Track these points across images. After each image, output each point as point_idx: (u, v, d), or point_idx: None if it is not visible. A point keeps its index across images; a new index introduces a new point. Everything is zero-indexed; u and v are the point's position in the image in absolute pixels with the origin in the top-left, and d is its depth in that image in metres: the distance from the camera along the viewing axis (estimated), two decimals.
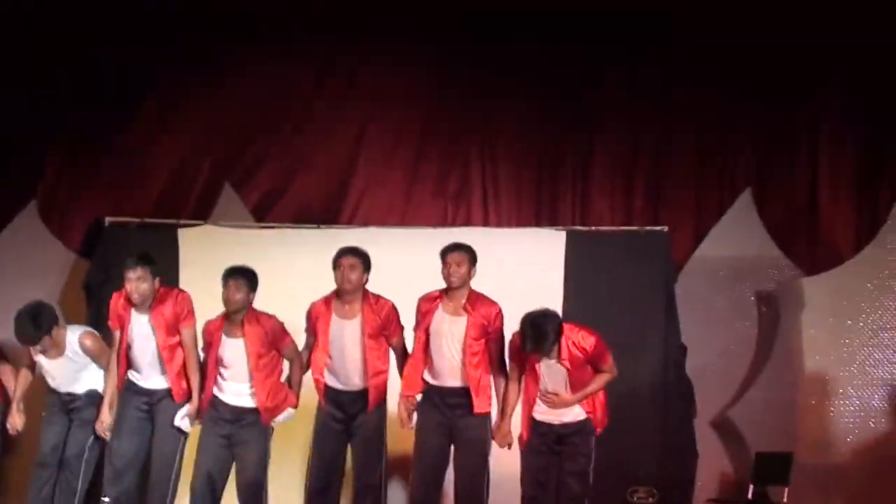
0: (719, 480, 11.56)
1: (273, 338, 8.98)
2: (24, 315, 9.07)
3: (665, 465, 10.62)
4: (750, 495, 10.93)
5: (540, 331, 8.52)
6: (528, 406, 8.83)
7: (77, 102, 12.09)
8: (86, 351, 9.28)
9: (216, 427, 8.99)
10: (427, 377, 8.86)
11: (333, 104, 12.39)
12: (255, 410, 8.95)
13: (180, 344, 9.11)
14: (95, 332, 9.56)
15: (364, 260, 9.05)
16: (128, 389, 9.19)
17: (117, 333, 9.21)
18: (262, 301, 9.41)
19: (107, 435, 9.10)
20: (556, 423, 8.72)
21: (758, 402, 11.45)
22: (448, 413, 8.77)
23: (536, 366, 8.71)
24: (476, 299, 8.87)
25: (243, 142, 12.38)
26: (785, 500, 10.68)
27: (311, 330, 9.15)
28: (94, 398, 9.30)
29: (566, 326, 8.70)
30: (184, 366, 9.11)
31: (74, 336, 9.33)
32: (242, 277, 9.02)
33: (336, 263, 9.01)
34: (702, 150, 12.18)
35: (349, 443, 9.05)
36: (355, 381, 8.97)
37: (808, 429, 11.41)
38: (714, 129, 12.19)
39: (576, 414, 8.72)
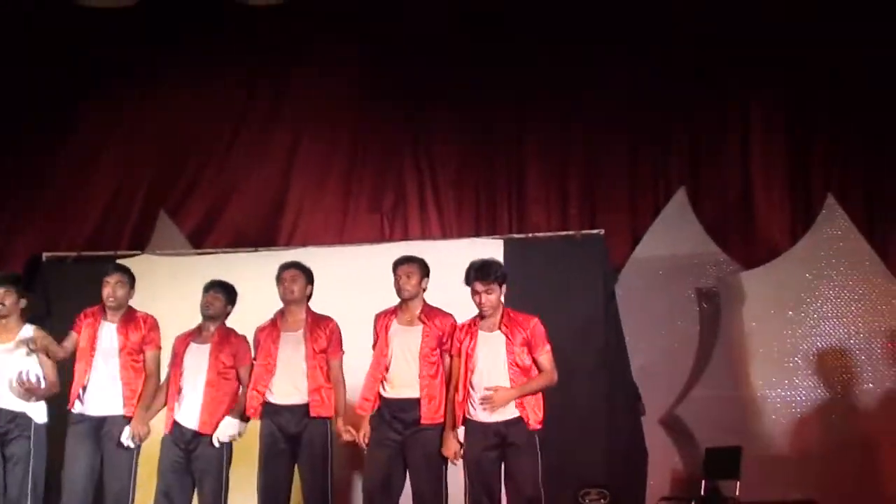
0: (671, 478, 11.58)
1: (237, 352, 9.15)
2: None
3: (615, 465, 10.61)
4: (702, 491, 10.95)
5: (485, 261, 8.67)
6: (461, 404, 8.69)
7: (4, 141, 12.03)
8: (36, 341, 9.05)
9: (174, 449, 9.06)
10: (382, 391, 8.83)
11: (262, 126, 12.46)
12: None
13: (143, 365, 9.20)
14: None
15: (305, 272, 9.20)
16: (77, 418, 9.13)
17: (73, 336, 9.26)
18: None
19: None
20: (490, 421, 8.59)
21: (704, 398, 11.46)
22: (399, 429, 8.72)
23: (471, 345, 8.59)
24: (431, 310, 8.90)
25: (175, 169, 12.41)
26: (737, 493, 10.70)
27: (257, 350, 9.17)
28: (25, 428, 9.03)
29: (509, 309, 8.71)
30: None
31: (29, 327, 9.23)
32: (222, 289, 9.36)
33: (278, 278, 9.18)
34: (633, 151, 12.32)
35: (296, 463, 9.03)
36: (297, 394, 8.95)
37: (756, 422, 11.42)
38: (645, 130, 12.31)
39: (510, 411, 8.61)
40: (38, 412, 9.07)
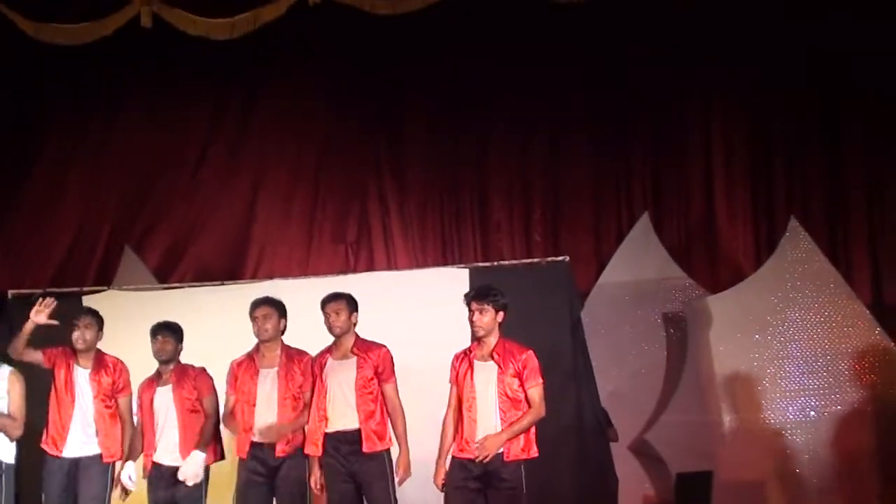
0: None
1: (198, 385, 9.21)
2: None
3: (586, 493, 10.60)
4: None
5: (486, 284, 8.82)
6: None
7: None
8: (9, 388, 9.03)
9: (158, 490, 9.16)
10: (326, 427, 8.84)
11: (225, 159, 12.52)
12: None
13: (116, 410, 9.30)
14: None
15: (277, 308, 9.19)
16: (52, 458, 9.15)
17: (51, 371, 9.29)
18: None
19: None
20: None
21: (673, 424, 11.50)
22: (345, 460, 8.74)
23: (465, 374, 8.59)
24: (363, 343, 8.94)
25: (139, 204, 12.46)
26: None
27: (233, 386, 9.16)
28: None
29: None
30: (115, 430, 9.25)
31: (4, 370, 9.20)
32: (169, 332, 9.35)
33: (251, 316, 9.16)
34: (596, 177, 12.41)
35: (274, 497, 9.02)
36: (273, 431, 8.96)
37: (726, 446, 11.44)
38: (607, 156, 12.38)
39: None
40: (6, 452, 9.03)
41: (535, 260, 11.58)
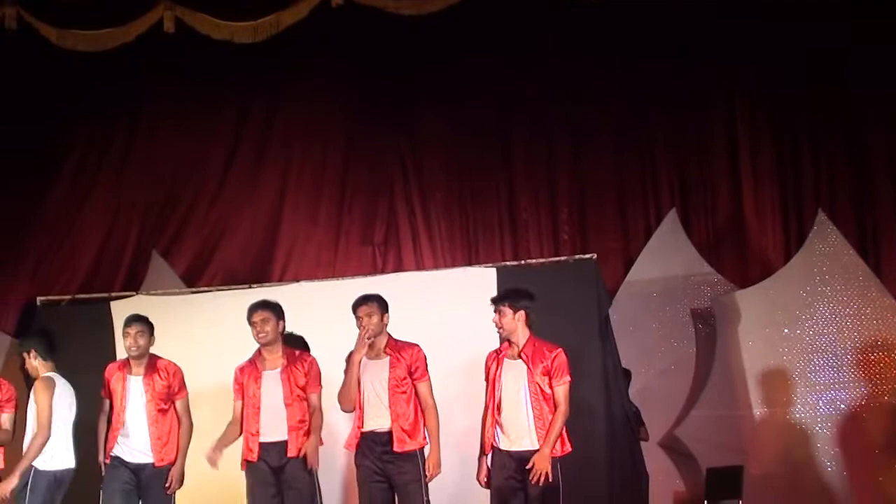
0: (673, 500, 11.64)
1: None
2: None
3: (616, 489, 10.58)
4: None
5: (510, 287, 9.13)
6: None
7: None
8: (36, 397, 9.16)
9: None
10: (361, 425, 8.88)
11: (252, 163, 12.54)
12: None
13: (173, 413, 9.28)
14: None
15: (275, 311, 9.17)
16: (114, 464, 9.19)
17: (107, 403, 9.31)
18: (200, 367, 9.90)
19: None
20: (512, 450, 8.68)
21: (703, 419, 11.50)
22: (379, 460, 8.79)
23: (497, 373, 8.76)
24: (395, 343, 9.00)
25: (166, 209, 12.49)
26: None
27: (238, 390, 9.18)
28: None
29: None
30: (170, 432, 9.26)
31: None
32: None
33: (249, 321, 9.17)
34: (621, 175, 12.36)
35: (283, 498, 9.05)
36: (277, 431, 8.98)
37: (756, 440, 11.44)
38: (631, 153, 12.36)
39: (532, 442, 8.66)
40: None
41: (563, 258, 11.61)
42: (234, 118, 12.62)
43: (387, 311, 8.97)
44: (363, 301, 8.98)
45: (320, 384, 9.11)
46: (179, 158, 12.51)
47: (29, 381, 9.51)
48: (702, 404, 11.55)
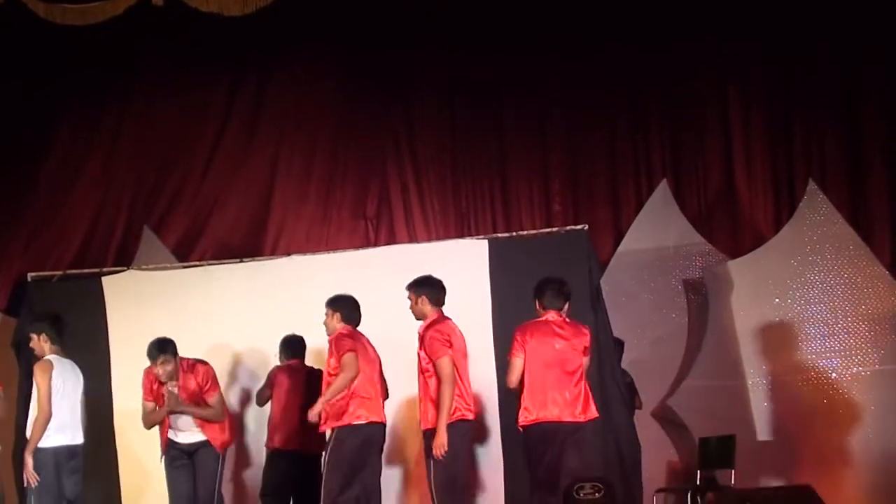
0: (666, 469, 11.69)
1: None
2: None
3: (609, 458, 10.61)
4: (698, 481, 10.95)
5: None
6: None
7: None
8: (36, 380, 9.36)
9: None
10: None
11: (242, 136, 12.50)
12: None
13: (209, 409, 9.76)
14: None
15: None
16: (171, 447, 9.79)
17: (150, 404, 9.76)
18: (192, 341, 10.01)
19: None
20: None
21: (696, 389, 11.53)
22: None
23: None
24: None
25: (157, 183, 12.47)
26: (732, 482, 10.70)
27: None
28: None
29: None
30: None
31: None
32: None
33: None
34: (613, 145, 12.36)
35: None
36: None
37: (748, 410, 11.46)
38: (623, 125, 12.36)
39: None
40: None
41: (555, 229, 11.61)
42: (226, 92, 12.58)
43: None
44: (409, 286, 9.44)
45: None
46: (170, 133, 12.47)
47: (32, 359, 9.67)
48: (694, 374, 11.57)
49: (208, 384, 9.67)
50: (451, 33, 12.28)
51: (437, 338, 9.01)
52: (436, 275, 9.74)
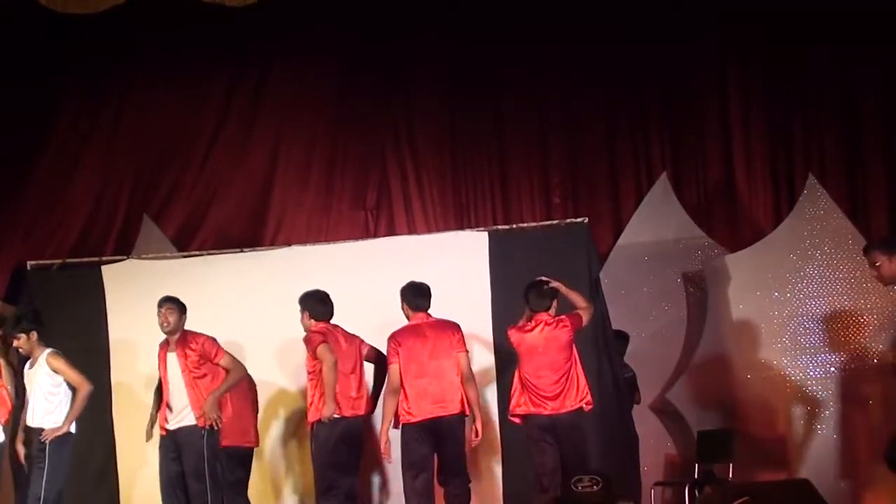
0: (664, 462, 11.70)
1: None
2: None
3: (607, 451, 10.61)
4: (696, 474, 10.95)
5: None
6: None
7: None
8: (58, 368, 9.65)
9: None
10: None
11: (242, 126, 12.47)
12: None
13: (209, 377, 9.78)
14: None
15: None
16: (164, 442, 9.84)
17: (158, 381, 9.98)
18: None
19: None
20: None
21: (694, 382, 11.54)
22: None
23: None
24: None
25: (157, 173, 12.44)
26: (730, 475, 10.74)
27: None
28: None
29: None
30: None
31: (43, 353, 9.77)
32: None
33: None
34: (613, 138, 12.36)
35: None
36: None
37: (747, 403, 11.46)
38: (624, 117, 12.37)
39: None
40: None
41: (555, 222, 11.63)
42: (226, 82, 12.54)
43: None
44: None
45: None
46: (170, 122, 12.43)
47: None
48: (693, 368, 11.59)
49: (214, 350, 9.72)
50: (451, 25, 12.28)
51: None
52: (435, 266, 9.78)
